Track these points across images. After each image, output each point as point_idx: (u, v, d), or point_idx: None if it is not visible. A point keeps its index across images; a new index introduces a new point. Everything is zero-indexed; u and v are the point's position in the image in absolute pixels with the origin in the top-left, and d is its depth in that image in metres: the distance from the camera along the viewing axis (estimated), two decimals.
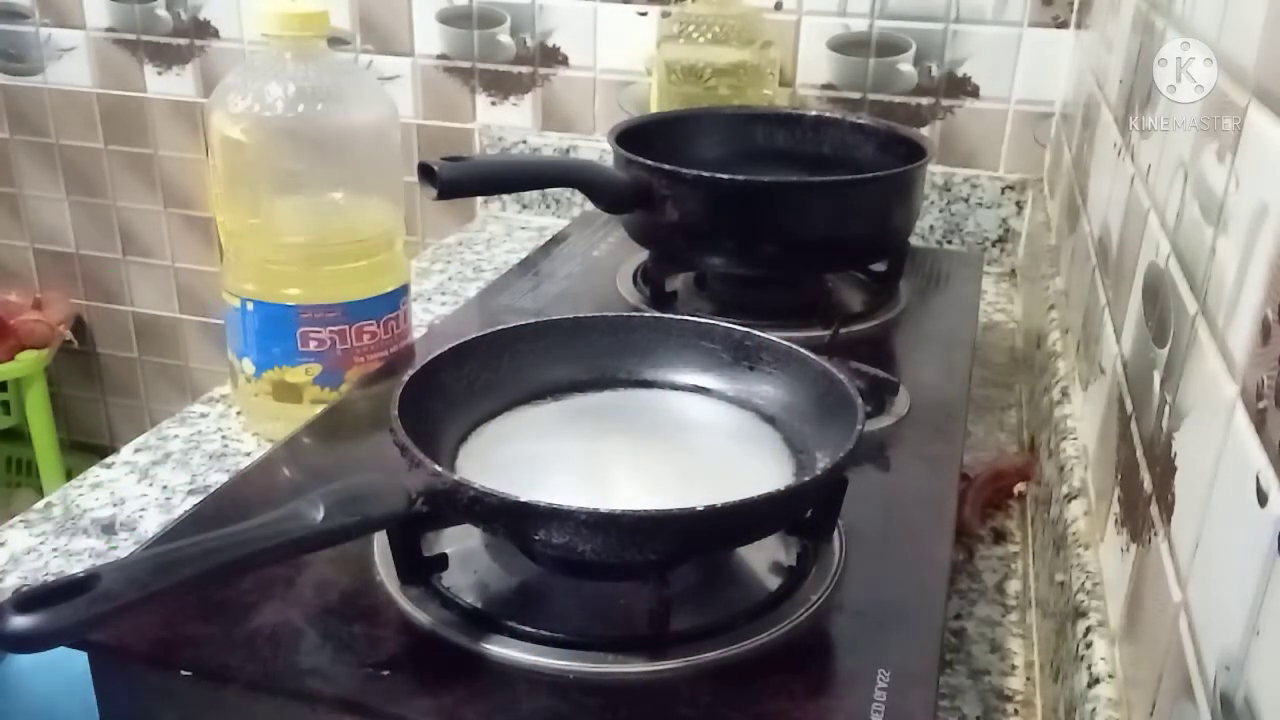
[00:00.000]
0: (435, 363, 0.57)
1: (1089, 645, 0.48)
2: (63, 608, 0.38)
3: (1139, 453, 0.50)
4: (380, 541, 0.53)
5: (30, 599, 0.38)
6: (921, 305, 0.88)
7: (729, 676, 0.46)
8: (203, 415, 0.81)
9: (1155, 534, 0.44)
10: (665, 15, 1.17)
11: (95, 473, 0.73)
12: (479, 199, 1.33)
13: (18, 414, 1.58)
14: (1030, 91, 1.14)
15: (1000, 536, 0.71)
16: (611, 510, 0.45)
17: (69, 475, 1.51)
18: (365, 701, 0.44)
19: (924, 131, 1.15)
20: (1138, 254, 0.57)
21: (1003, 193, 1.16)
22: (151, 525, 0.68)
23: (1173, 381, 0.46)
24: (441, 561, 0.51)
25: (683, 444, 0.60)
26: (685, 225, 0.82)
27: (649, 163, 0.82)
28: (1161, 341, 0.49)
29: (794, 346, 0.60)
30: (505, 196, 1.32)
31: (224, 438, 0.78)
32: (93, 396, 1.67)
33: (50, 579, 0.44)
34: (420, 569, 0.50)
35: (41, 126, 1.52)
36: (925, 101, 1.17)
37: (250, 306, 0.74)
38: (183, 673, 0.46)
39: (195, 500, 0.62)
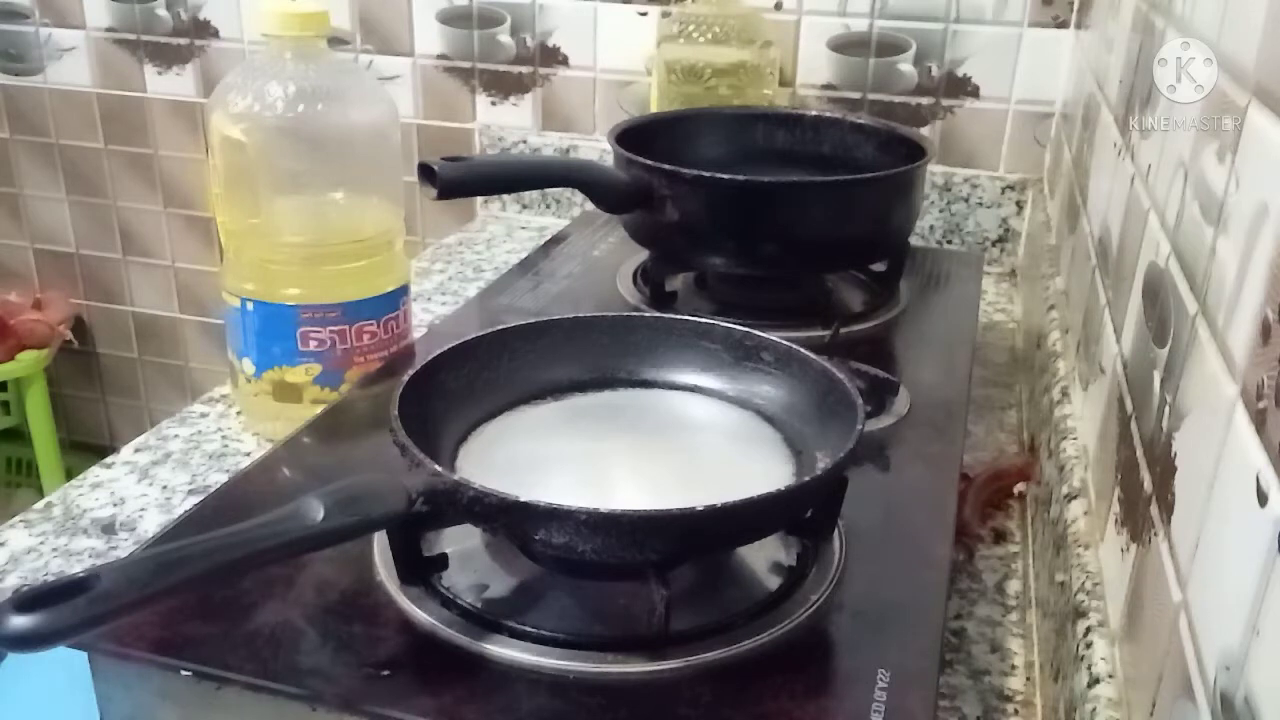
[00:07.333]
0: (435, 363, 0.57)
1: (1089, 645, 0.48)
2: (63, 608, 0.38)
3: (1139, 453, 0.50)
4: (380, 541, 0.53)
5: (30, 599, 0.38)
6: (921, 305, 0.88)
7: (729, 676, 0.46)
8: (203, 415, 0.81)
9: (1155, 534, 0.44)
10: (665, 15, 1.17)
11: (95, 473, 0.73)
12: (479, 199, 1.33)
13: (18, 414, 1.59)
14: (1030, 91, 1.14)
15: (1000, 536, 0.71)
16: (611, 510, 0.45)
17: (69, 475, 1.50)
18: (365, 701, 0.44)
19: (924, 131, 1.15)
20: (1138, 254, 0.57)
21: (1003, 193, 1.16)
22: (151, 525, 0.68)
23: (1173, 381, 0.46)
24: (441, 561, 0.51)
25: (683, 444, 0.60)
26: (685, 225, 0.82)
27: (649, 163, 0.82)
28: (1161, 341, 0.49)
29: (794, 346, 0.60)
30: (505, 196, 1.32)
31: (224, 438, 0.78)
32: (93, 396, 1.67)
33: (50, 579, 0.44)
34: (420, 569, 0.50)
35: (41, 126, 1.52)
36: (925, 101, 1.17)
37: (250, 306, 0.74)
38: (183, 673, 0.46)
39: (195, 500, 0.62)
